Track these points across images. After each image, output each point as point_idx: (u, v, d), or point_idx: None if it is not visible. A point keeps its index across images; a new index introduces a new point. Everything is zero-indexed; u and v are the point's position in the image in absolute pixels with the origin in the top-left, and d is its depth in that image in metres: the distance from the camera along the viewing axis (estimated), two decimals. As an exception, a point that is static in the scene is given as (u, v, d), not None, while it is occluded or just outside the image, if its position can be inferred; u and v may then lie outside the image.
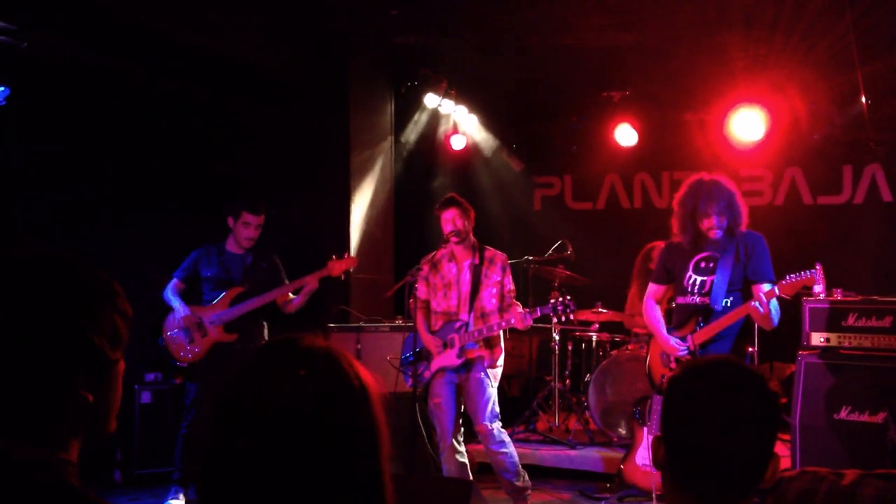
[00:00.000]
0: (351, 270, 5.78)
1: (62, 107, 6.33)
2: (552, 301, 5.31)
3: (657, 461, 1.78)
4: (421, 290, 5.55)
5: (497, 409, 5.43)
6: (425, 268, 5.56)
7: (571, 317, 5.33)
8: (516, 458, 5.45)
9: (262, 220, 5.98)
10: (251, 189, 6.72)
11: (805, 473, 1.73)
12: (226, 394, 1.29)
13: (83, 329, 1.43)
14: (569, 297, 5.30)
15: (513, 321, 5.27)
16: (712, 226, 4.83)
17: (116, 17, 5.73)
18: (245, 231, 5.95)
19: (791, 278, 4.63)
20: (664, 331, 5.05)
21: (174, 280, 6.05)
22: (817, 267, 5.30)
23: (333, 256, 5.82)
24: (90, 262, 1.52)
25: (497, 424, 5.40)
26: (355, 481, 1.25)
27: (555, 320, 5.47)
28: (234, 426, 1.24)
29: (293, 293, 5.96)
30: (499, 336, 5.49)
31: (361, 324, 6.82)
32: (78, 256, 1.51)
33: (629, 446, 5.84)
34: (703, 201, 4.84)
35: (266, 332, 6.12)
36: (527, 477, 5.50)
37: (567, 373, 7.70)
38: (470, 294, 5.45)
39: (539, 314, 5.28)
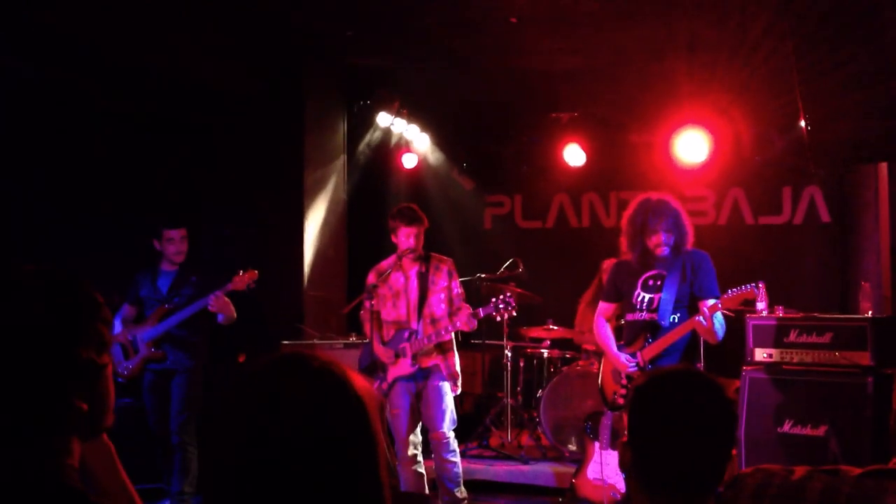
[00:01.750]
0: (253, 285, 5.84)
1: (18, 126, 6.26)
2: (493, 300, 5.42)
3: (624, 465, 1.89)
4: (373, 301, 5.62)
5: (455, 416, 5.54)
6: (373, 279, 5.62)
7: (514, 314, 5.45)
8: (461, 470, 5.59)
9: (184, 231, 6.01)
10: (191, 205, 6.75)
11: (759, 470, 1.86)
12: (228, 409, 1.32)
13: (71, 344, 1.47)
14: (509, 295, 5.43)
15: (458, 324, 5.37)
16: (660, 242, 4.99)
17: (70, 36, 5.71)
18: (171, 247, 6.02)
19: (732, 292, 4.80)
20: (615, 348, 5.19)
21: (124, 304, 6.18)
22: (760, 285, 5.49)
23: (240, 271, 5.86)
24: (72, 274, 1.56)
25: (453, 433, 5.50)
26: (358, 491, 1.29)
27: (497, 319, 5.56)
28: (237, 440, 1.27)
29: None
30: (451, 341, 5.58)
31: (315, 341, 6.84)
32: (61, 270, 1.55)
33: (581, 461, 5.94)
34: (651, 218, 5.00)
35: (204, 347, 6.10)
36: (465, 490, 5.63)
37: (519, 389, 7.79)
38: (418, 302, 5.53)
39: (482, 315, 5.39)
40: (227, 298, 5.83)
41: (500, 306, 5.38)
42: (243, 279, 5.82)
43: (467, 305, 5.57)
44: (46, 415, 1.45)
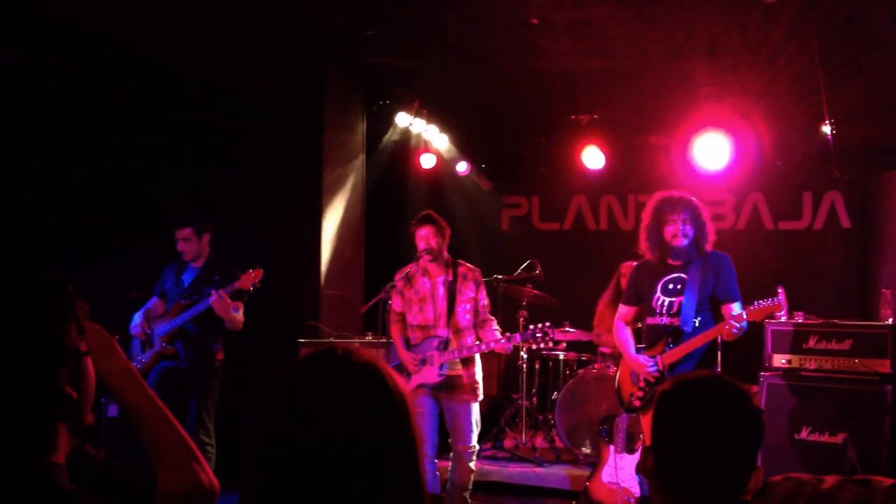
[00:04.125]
0: (258, 283, 5.84)
1: (36, 122, 6.30)
2: (531, 327, 5.39)
3: (646, 470, 1.88)
4: (396, 303, 5.61)
5: (479, 424, 5.59)
6: (399, 282, 5.61)
7: (550, 344, 5.44)
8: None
9: (187, 233, 6.00)
10: (210, 206, 6.76)
11: (788, 479, 1.84)
12: (272, 404, 1.33)
13: (53, 329, 1.50)
14: (548, 325, 5.39)
15: (492, 345, 5.36)
16: (677, 232, 4.95)
17: (92, 33, 5.72)
18: (178, 246, 6.06)
19: (759, 304, 4.75)
20: (634, 351, 5.16)
21: (152, 297, 6.21)
22: (779, 290, 5.45)
23: (249, 270, 5.86)
24: (40, 269, 1.59)
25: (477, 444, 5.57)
26: (399, 489, 1.30)
27: (534, 347, 5.57)
28: (280, 435, 1.29)
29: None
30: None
31: (332, 339, 6.85)
32: (28, 266, 1.58)
33: (595, 464, 5.92)
34: (669, 208, 4.99)
35: (218, 346, 6.08)
36: None
37: (534, 391, 7.78)
38: (447, 310, 5.51)
39: (519, 340, 5.37)
40: (229, 300, 5.81)
41: (538, 335, 5.34)
42: (249, 277, 5.82)
43: (492, 318, 5.60)
44: (33, 403, 1.46)
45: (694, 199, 5.06)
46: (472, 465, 5.54)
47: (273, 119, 7.37)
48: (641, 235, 5.19)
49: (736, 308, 4.82)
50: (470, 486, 5.56)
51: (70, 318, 1.54)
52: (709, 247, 5.02)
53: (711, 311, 4.97)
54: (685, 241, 4.97)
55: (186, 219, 6.03)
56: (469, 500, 5.58)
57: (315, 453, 1.25)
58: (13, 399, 1.45)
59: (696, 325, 4.92)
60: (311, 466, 1.25)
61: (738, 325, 4.68)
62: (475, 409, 5.53)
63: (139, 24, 5.90)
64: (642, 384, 5.07)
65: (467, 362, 5.51)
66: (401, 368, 5.52)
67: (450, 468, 5.60)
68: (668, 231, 4.98)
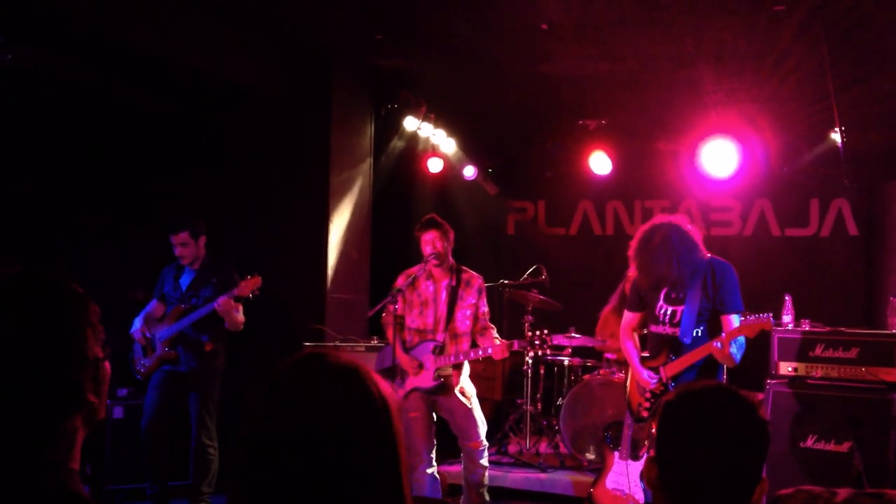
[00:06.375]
0: (257, 291, 5.82)
1: (44, 120, 6.32)
2: (529, 334, 5.44)
3: (650, 480, 1.86)
4: (397, 305, 5.61)
5: (484, 420, 5.62)
6: (401, 282, 5.60)
7: (548, 351, 5.46)
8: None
9: (184, 237, 6.00)
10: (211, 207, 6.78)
11: (800, 492, 1.82)
12: (255, 409, 1.34)
13: (83, 342, 1.49)
14: (546, 332, 5.42)
15: (490, 351, 5.37)
16: (667, 285, 4.91)
17: (102, 33, 5.74)
18: (174, 251, 6.05)
19: (750, 319, 4.64)
20: (639, 362, 5.11)
21: (152, 300, 6.23)
22: (786, 298, 5.40)
23: (247, 276, 5.85)
24: (62, 274, 1.57)
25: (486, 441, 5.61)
26: (380, 493, 1.31)
27: (532, 354, 5.59)
28: (263, 438, 1.30)
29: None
30: None
31: (337, 343, 6.85)
32: (51, 271, 1.56)
33: (600, 470, 5.90)
34: (650, 258, 4.85)
35: (219, 350, 6.08)
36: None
37: (539, 396, 7.76)
38: (446, 315, 5.51)
39: (517, 347, 5.40)
40: (233, 303, 5.82)
41: (536, 342, 5.43)
42: (248, 285, 5.81)
43: (492, 326, 5.61)
44: (63, 414, 1.46)
45: (670, 227, 4.83)
46: (484, 461, 5.58)
47: (280, 122, 7.39)
48: (632, 265, 5.09)
49: (735, 321, 4.71)
50: (485, 483, 5.60)
51: (86, 324, 1.53)
52: (705, 254, 4.92)
53: (710, 322, 4.85)
54: (676, 276, 4.89)
55: (181, 223, 6.03)
56: (487, 497, 5.59)
57: (296, 456, 1.27)
58: (38, 407, 1.44)
59: (697, 335, 4.84)
60: (293, 469, 1.26)
61: (727, 340, 4.57)
62: (475, 405, 5.53)
63: (145, 25, 5.91)
64: (648, 395, 5.05)
65: (458, 366, 5.54)
66: (393, 371, 5.51)
67: (462, 469, 5.64)
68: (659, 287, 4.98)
